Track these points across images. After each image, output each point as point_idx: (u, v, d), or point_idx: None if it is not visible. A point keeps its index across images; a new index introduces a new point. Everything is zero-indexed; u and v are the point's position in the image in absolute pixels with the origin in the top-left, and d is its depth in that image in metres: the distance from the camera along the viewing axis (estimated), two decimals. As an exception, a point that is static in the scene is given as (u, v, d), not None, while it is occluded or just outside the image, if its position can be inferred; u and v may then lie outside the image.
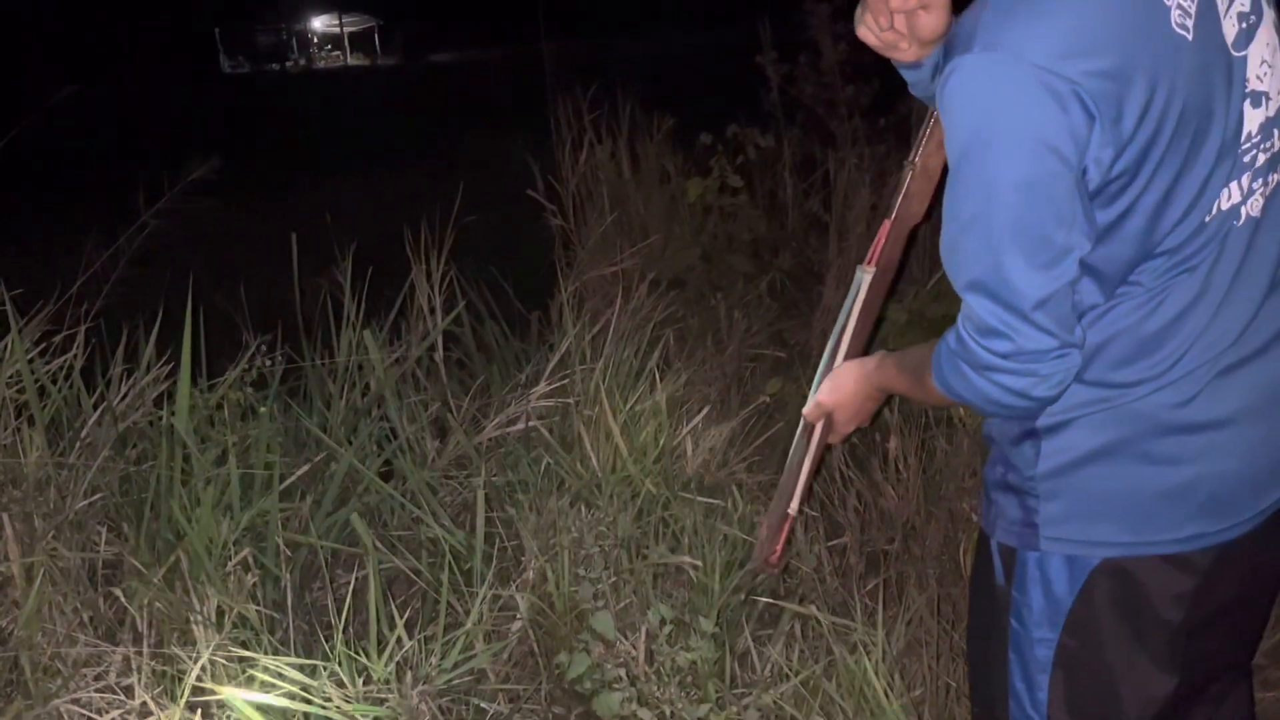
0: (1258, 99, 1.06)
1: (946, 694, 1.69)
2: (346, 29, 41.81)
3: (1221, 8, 1.04)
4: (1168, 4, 0.99)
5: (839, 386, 1.39)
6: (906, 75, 1.35)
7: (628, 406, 2.51)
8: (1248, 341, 1.11)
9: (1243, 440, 1.12)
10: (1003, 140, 0.99)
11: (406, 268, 3.32)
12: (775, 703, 1.75)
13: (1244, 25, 1.05)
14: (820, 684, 1.81)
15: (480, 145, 8.14)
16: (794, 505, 1.45)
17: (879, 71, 4.05)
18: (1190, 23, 1.00)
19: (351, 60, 39.79)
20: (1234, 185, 1.06)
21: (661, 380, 2.61)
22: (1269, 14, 1.09)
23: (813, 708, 1.74)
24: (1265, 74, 1.06)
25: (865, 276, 1.43)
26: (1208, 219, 1.06)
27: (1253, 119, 1.06)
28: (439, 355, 3.16)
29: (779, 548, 1.46)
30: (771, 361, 3.01)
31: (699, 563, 2.19)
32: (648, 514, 2.33)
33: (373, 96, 17.87)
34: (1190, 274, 1.07)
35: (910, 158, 1.39)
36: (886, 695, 1.68)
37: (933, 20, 1.20)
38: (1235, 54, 1.05)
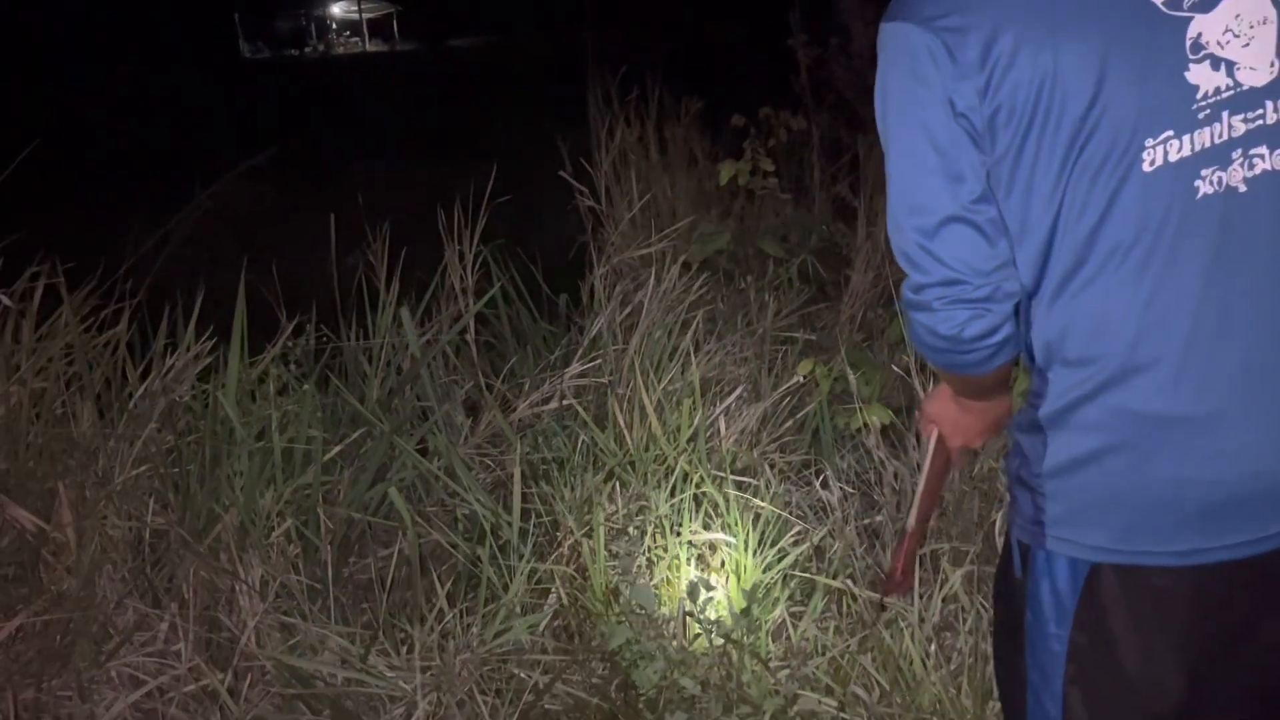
0: (1216, 63, 1.05)
1: (985, 666, 1.71)
2: (365, 15, 41.93)
3: None
4: None
5: (934, 397, 1.38)
6: None
7: (661, 386, 2.53)
8: (1231, 332, 1.06)
9: (1234, 440, 1.07)
10: (890, 93, 1.11)
11: (434, 250, 3.35)
12: (813, 674, 1.77)
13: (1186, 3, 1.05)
14: (856, 658, 1.83)
15: (507, 130, 8.15)
16: (911, 520, 1.44)
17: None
18: None
19: (370, 46, 39.88)
20: (1184, 139, 1.04)
21: (694, 361, 2.63)
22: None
23: (850, 677, 1.76)
24: (1229, 40, 1.05)
25: None
26: (1147, 168, 1.04)
27: (1208, 79, 1.05)
28: (470, 335, 3.19)
29: (899, 565, 1.45)
30: (801, 344, 3.03)
31: (733, 539, 2.22)
32: (681, 491, 2.36)
33: (396, 82, 17.88)
34: (1148, 244, 1.05)
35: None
36: (923, 664, 1.70)
37: None
38: (1168, 12, 1.05)
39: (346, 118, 11.90)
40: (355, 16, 42.31)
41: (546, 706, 1.91)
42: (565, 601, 2.09)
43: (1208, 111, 1.04)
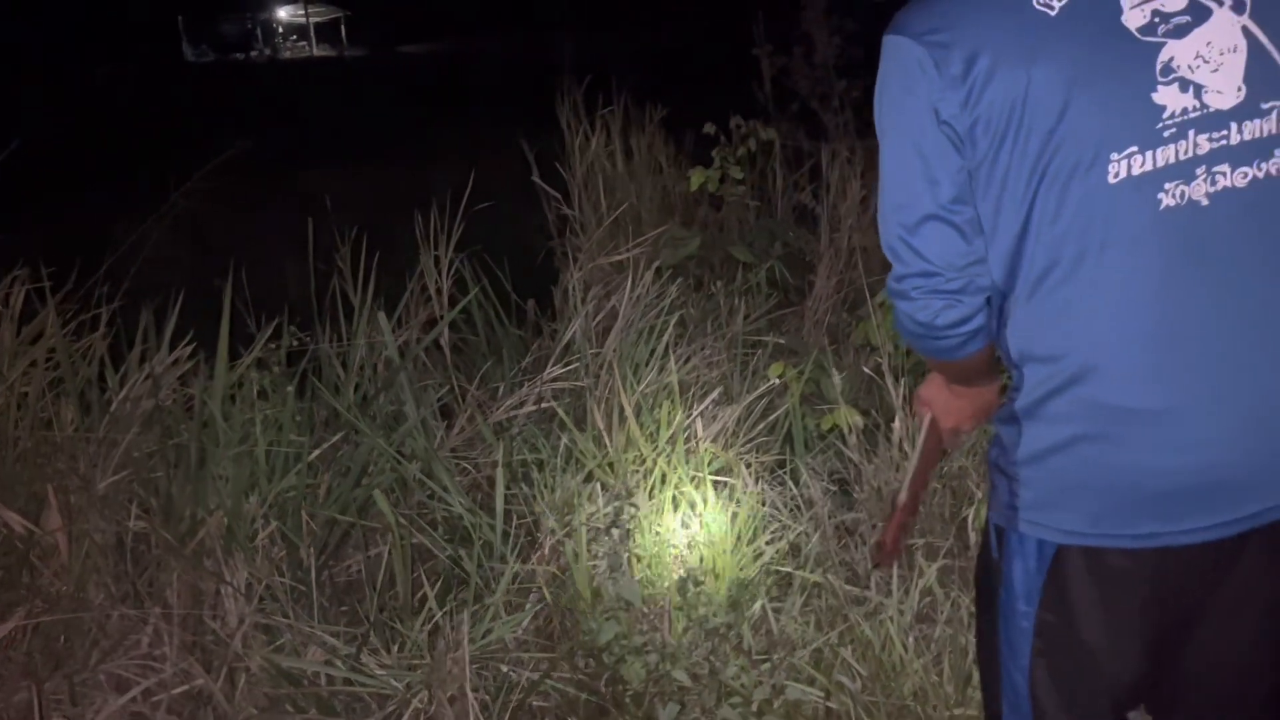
0: (1185, 85, 1.13)
1: (964, 654, 1.78)
2: (312, 19, 41.46)
3: (1124, 5, 1.13)
4: None
5: (929, 380, 1.46)
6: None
7: (639, 388, 2.58)
8: (1192, 333, 1.13)
9: (1192, 433, 1.14)
10: (884, 99, 1.20)
11: (398, 256, 3.36)
12: (798, 664, 1.83)
13: (1157, 20, 1.13)
14: (838, 649, 1.89)
15: (466, 136, 8.14)
16: (902, 495, 1.51)
17: (871, 67, 4.16)
18: (1057, 4, 1.13)
19: (318, 51, 39.44)
20: (1148, 155, 1.11)
21: (672, 364, 2.68)
22: (1225, 18, 1.14)
23: (834, 667, 1.82)
24: (1199, 65, 1.13)
25: None
26: (1111, 179, 1.11)
27: (1175, 100, 1.12)
28: (444, 340, 3.21)
29: (891, 537, 1.52)
30: (772, 347, 3.09)
31: (713, 537, 2.27)
32: (660, 491, 2.41)
33: (351, 86, 17.72)
34: (1113, 250, 1.13)
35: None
36: (903, 654, 1.76)
37: None
38: (1142, 38, 1.13)
39: (300, 122, 11.79)
40: (302, 20, 41.83)
41: (537, 704, 1.95)
42: (550, 600, 2.12)
43: (1173, 130, 1.12)
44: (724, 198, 3.59)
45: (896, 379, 2.50)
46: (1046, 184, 1.13)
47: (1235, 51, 1.14)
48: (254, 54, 38.09)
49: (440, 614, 2.01)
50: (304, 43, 41.21)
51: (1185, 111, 1.12)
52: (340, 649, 1.97)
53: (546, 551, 2.31)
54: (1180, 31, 1.13)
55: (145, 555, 2.17)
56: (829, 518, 2.28)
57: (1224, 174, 1.13)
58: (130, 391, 2.23)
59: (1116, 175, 1.12)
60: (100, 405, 2.24)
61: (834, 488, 2.38)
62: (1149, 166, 1.12)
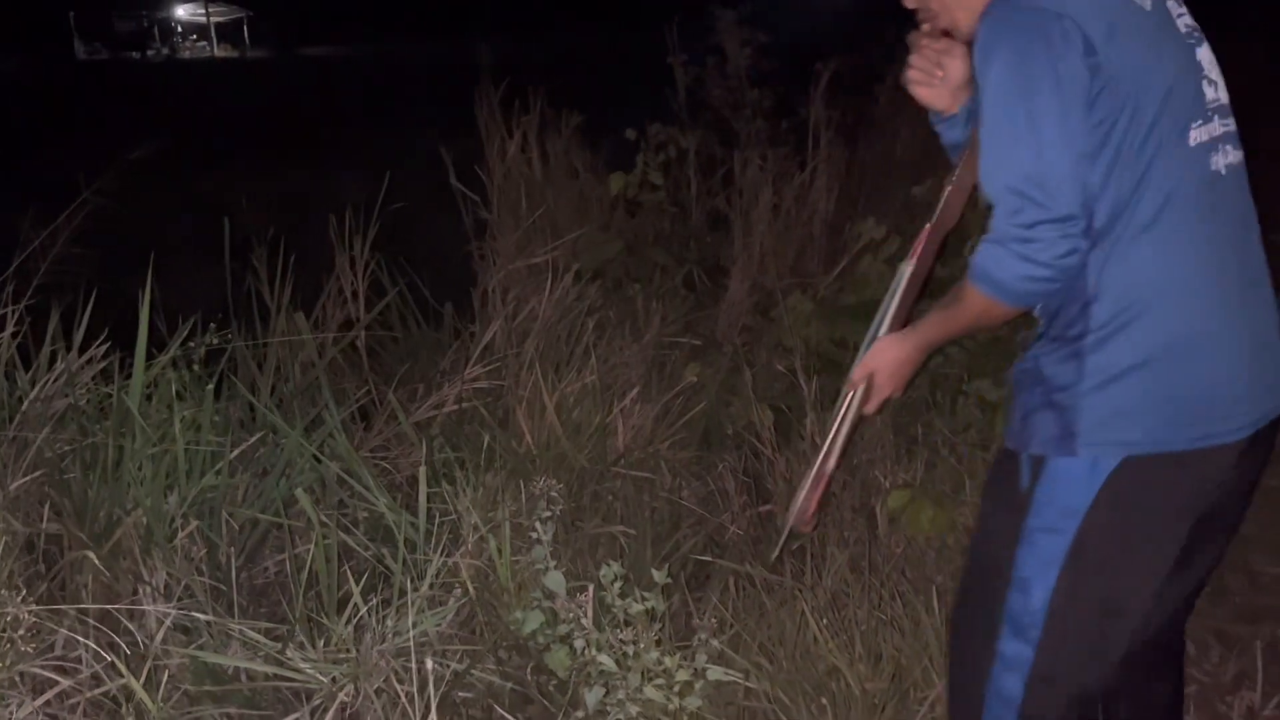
0: (1210, 81, 1.46)
1: (874, 635, 1.87)
2: (213, 19, 40.37)
3: (1174, 12, 1.47)
4: None
5: (880, 351, 1.61)
6: (940, 127, 1.71)
7: (560, 388, 2.63)
8: (1224, 273, 1.42)
9: (1226, 353, 1.40)
10: (1025, 64, 1.36)
11: (310, 257, 3.35)
12: (717, 648, 1.90)
13: (1189, 30, 1.48)
14: (755, 634, 1.97)
15: (376, 138, 8.07)
16: (830, 464, 1.60)
17: (781, 78, 4.29)
18: (1148, 4, 1.43)
19: (219, 51, 38.41)
20: (1202, 127, 1.42)
21: (589, 365, 2.74)
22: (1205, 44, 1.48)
23: (752, 650, 1.90)
24: (1209, 68, 1.47)
25: (907, 269, 1.66)
26: (1192, 142, 1.39)
27: (1209, 90, 1.45)
28: (361, 341, 3.21)
29: (814, 504, 1.60)
30: (688, 349, 3.17)
31: (632, 531, 2.33)
32: (580, 488, 2.46)
33: (256, 88, 17.31)
34: (1180, 203, 1.37)
35: (951, 175, 1.67)
36: (817, 637, 1.85)
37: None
38: (1187, 41, 1.45)
39: (204, 124, 11.50)
40: (202, 19, 40.70)
41: (462, 695, 1.98)
42: (474, 595, 2.15)
43: (1211, 112, 1.44)
44: (641, 203, 3.65)
45: (808, 377, 2.60)
46: (1154, 144, 1.36)
47: (1214, 64, 1.50)
48: (150, 53, 36.89)
49: (365, 609, 2.03)
50: (204, 43, 40.09)
51: (1215, 100, 1.45)
52: (264, 645, 1.97)
53: (470, 547, 2.34)
54: (1199, 42, 1.48)
55: (58, 557, 2.13)
56: (744, 510, 2.36)
57: (1227, 152, 1.45)
58: (42, 391, 2.19)
59: (1195, 140, 1.40)
60: (10, 405, 2.19)
61: (748, 480, 2.47)
62: (1204, 138, 1.42)
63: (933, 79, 1.63)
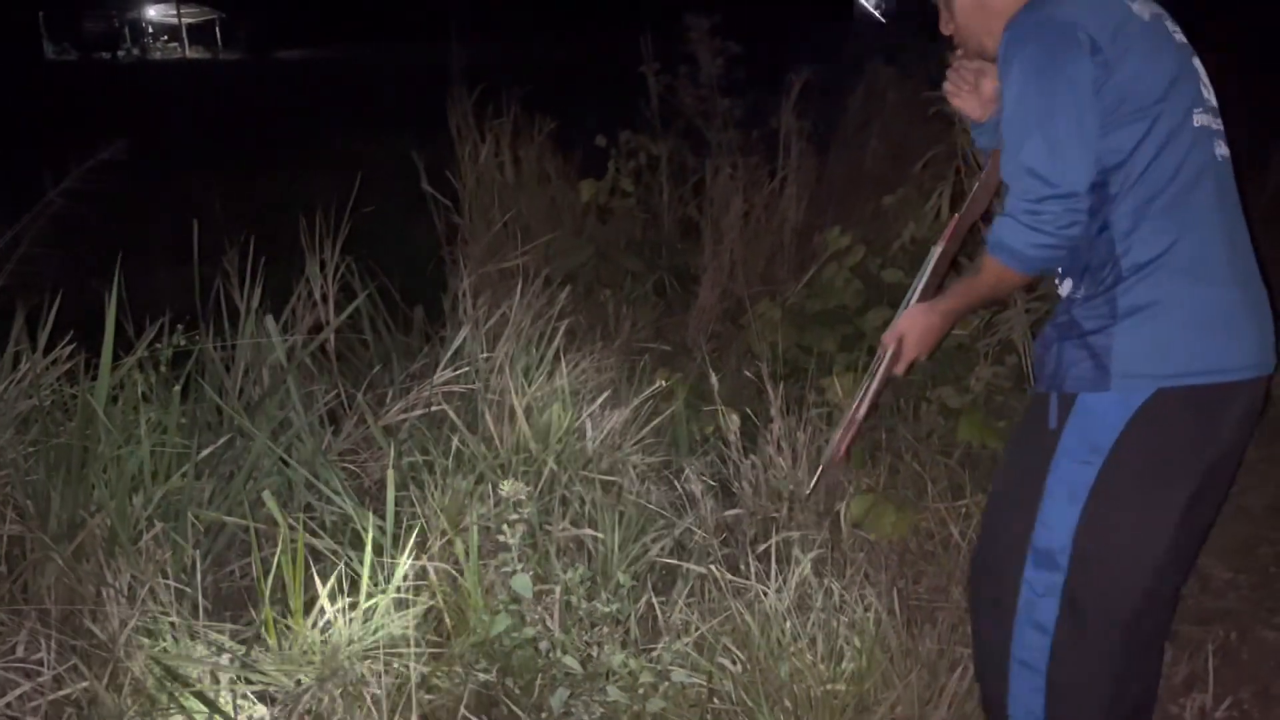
0: (1206, 87, 1.66)
1: (837, 638, 1.90)
2: (185, 20, 40.01)
3: (1170, 29, 1.66)
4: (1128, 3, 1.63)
5: (910, 318, 1.83)
6: (974, 133, 1.95)
7: (530, 391, 2.64)
8: (1232, 242, 1.62)
9: (1241, 297, 1.60)
10: (1043, 65, 1.56)
11: (285, 262, 3.34)
12: (682, 650, 1.92)
13: (1187, 48, 1.67)
14: (719, 636, 1.99)
15: (360, 143, 8.05)
16: (861, 412, 1.82)
17: (753, 87, 4.33)
18: (1146, 13, 1.63)
19: (191, 53, 38.08)
20: (1202, 114, 1.61)
21: (559, 369, 2.75)
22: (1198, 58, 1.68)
23: (715, 652, 1.92)
24: (1201, 73, 1.67)
25: (936, 250, 1.92)
26: (1195, 123, 1.59)
27: (1205, 90, 1.65)
28: (330, 345, 3.20)
29: (845, 445, 1.83)
30: (658, 354, 3.19)
31: (600, 534, 2.34)
32: (550, 491, 2.47)
33: (228, 91, 17.19)
34: (1192, 169, 1.57)
35: (982, 174, 1.92)
36: (780, 639, 1.87)
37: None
38: (1185, 52, 1.65)
39: (175, 126, 11.41)
40: (174, 21, 40.35)
41: (429, 697, 1.98)
42: (442, 597, 2.16)
43: (1207, 107, 1.64)
44: (613, 209, 3.68)
45: (775, 383, 2.63)
46: (1166, 120, 1.56)
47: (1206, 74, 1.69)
48: (121, 54, 36.52)
49: (332, 611, 2.03)
50: (175, 44, 39.74)
51: (1209, 100, 1.65)
52: (230, 646, 1.97)
53: (438, 550, 2.35)
54: (1193, 54, 1.67)
55: (21, 558, 2.11)
56: (711, 514, 2.38)
57: (1221, 145, 1.65)
58: (5, 391, 2.17)
59: (1199, 124, 1.61)
60: (-26, 406, 2.18)
61: (715, 485, 2.49)
62: (1205, 124, 1.62)
63: (964, 91, 1.87)
